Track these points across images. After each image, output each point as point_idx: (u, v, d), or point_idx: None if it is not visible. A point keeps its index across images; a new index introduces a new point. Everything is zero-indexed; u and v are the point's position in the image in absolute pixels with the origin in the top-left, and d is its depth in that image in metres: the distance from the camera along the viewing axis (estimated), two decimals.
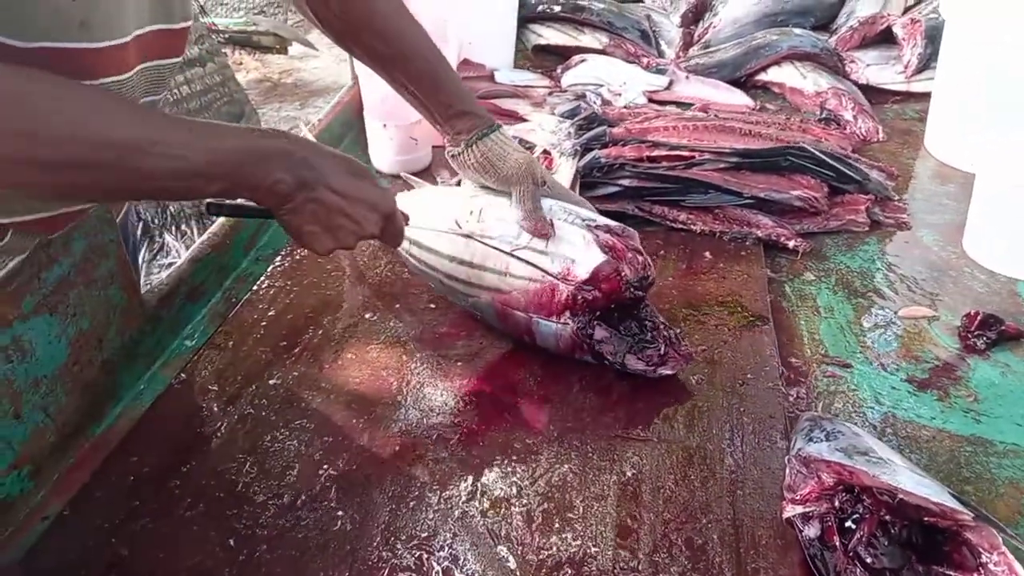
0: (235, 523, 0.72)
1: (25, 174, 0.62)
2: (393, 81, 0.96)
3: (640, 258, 0.89)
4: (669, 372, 0.87)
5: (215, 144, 0.69)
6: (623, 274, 0.86)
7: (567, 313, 0.86)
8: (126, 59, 0.74)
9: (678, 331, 0.90)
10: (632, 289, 0.87)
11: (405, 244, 1.01)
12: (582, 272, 0.86)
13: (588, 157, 1.23)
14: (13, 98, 0.59)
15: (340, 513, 0.73)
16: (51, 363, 0.79)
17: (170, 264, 2.40)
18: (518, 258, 0.90)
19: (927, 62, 1.62)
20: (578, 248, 0.88)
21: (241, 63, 4.48)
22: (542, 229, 0.90)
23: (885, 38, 1.74)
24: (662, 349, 0.88)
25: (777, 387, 0.88)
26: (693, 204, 1.21)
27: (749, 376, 0.90)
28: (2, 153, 0.59)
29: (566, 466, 0.78)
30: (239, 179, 0.71)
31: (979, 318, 0.97)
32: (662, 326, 0.90)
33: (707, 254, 1.13)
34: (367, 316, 1.00)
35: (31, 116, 0.60)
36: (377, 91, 1.42)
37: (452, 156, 0.98)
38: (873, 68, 1.69)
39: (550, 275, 0.87)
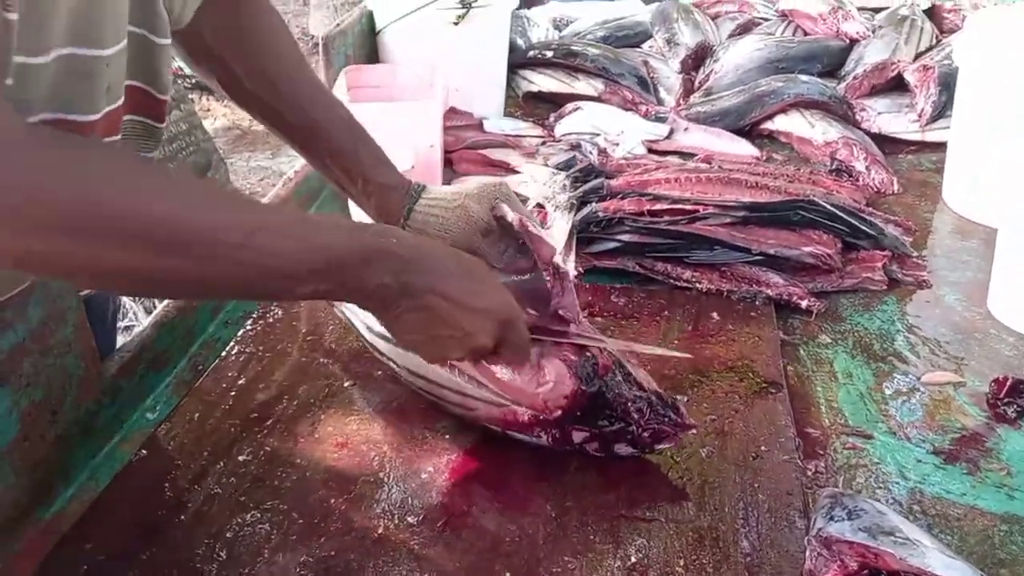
0: None
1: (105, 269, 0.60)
2: (312, 158, 0.97)
3: (581, 351, 0.86)
4: (667, 446, 0.88)
5: (314, 239, 0.68)
6: (575, 386, 0.84)
7: (537, 428, 0.87)
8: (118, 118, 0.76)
9: (673, 397, 0.90)
10: (585, 390, 0.85)
11: (365, 332, 1.01)
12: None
13: (585, 211, 1.26)
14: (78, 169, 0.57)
15: None
16: (0, 439, 0.79)
17: (127, 327, 2.39)
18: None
19: (942, 110, 1.67)
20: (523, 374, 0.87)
21: (209, 109, 4.55)
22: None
23: (897, 85, 1.80)
24: (651, 427, 0.86)
25: (794, 460, 0.89)
26: (698, 261, 1.23)
27: (763, 448, 0.91)
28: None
29: (565, 550, 0.78)
30: (339, 281, 0.69)
31: (1008, 384, 0.99)
32: (645, 398, 0.86)
33: (714, 315, 1.15)
34: (346, 385, 1.01)
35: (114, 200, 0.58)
36: None
37: None
38: (885, 116, 1.74)
39: (506, 399, 0.88)
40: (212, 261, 0.62)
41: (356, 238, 0.71)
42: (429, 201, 0.93)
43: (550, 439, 0.87)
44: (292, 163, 1.53)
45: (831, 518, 0.75)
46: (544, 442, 0.87)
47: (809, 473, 0.90)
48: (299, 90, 0.94)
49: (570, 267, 1.19)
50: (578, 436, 0.87)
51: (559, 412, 0.85)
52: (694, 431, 0.92)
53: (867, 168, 1.55)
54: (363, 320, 1.02)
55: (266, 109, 0.95)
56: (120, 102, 0.75)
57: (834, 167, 1.56)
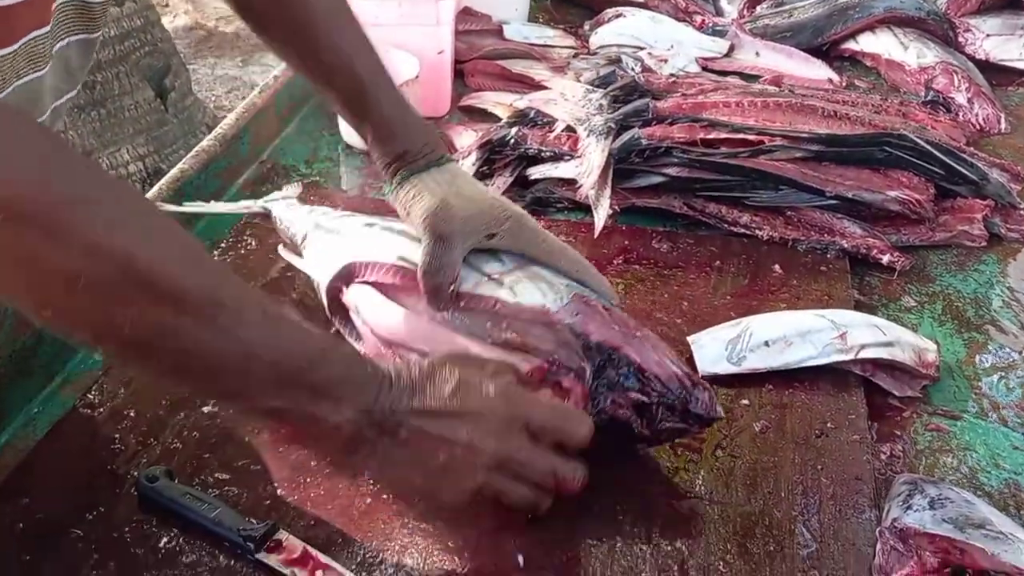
0: None
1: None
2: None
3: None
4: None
5: (280, 336, 0.68)
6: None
7: None
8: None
9: (693, 383, 0.83)
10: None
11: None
12: None
13: (625, 137, 1.25)
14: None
15: None
16: None
17: None
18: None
19: None
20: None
21: (168, 5, 4.52)
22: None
23: (1011, 1, 1.77)
24: (663, 427, 0.83)
25: (865, 440, 0.90)
26: (759, 203, 1.23)
27: (829, 425, 0.91)
28: None
29: (588, 531, 0.79)
30: (295, 396, 0.68)
31: None
32: (651, 402, 0.82)
33: (776, 268, 1.15)
34: (332, 332, 1.01)
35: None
36: None
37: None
38: (994, 40, 1.72)
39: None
40: (164, 329, 0.62)
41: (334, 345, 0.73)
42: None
43: None
44: (265, 73, 1.52)
45: (909, 507, 0.76)
46: None
47: (883, 457, 0.90)
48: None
49: (604, 205, 1.19)
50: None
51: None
52: (746, 401, 0.93)
53: (969, 101, 1.53)
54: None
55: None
56: None
57: (929, 98, 1.54)
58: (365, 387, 0.70)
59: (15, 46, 0.71)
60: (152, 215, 0.67)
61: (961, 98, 1.54)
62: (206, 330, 0.63)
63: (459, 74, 1.61)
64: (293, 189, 1.21)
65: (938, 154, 1.27)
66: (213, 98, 3.81)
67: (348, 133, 1.42)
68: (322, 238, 1.02)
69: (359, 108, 0.95)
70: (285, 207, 1.11)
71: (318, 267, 1.00)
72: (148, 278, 0.61)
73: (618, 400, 0.81)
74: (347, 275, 0.95)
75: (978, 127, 1.50)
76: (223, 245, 1.14)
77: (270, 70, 1.54)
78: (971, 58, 1.68)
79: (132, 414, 0.90)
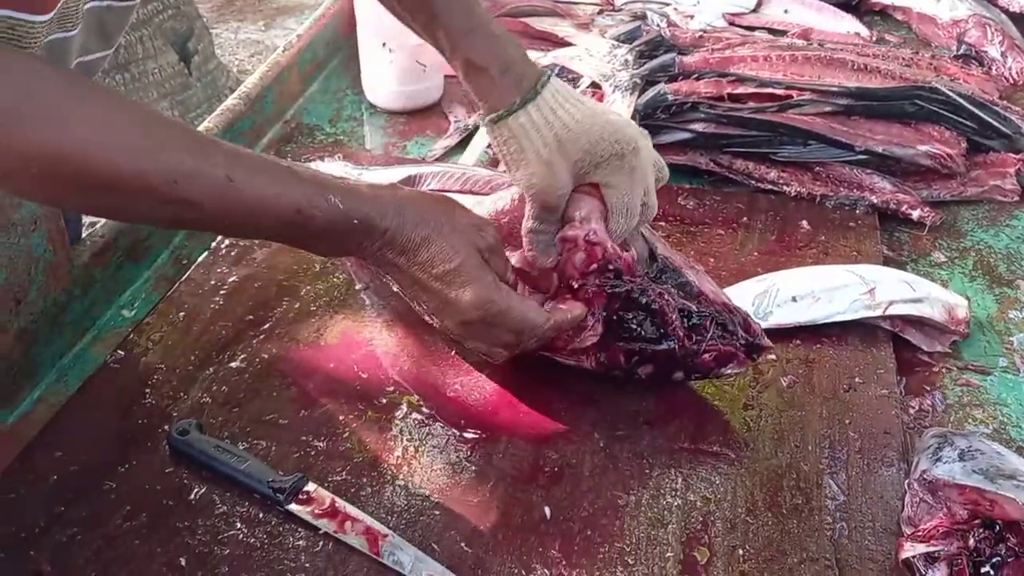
0: (188, 539, 0.74)
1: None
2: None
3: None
4: (737, 371, 0.87)
5: (249, 192, 0.72)
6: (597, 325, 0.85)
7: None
8: None
9: (745, 313, 0.87)
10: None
11: None
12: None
13: (651, 93, 1.24)
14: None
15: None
16: None
17: None
18: None
19: None
20: None
21: None
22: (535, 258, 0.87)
23: None
24: (714, 348, 0.85)
25: (894, 395, 0.89)
26: (787, 158, 1.22)
27: (857, 380, 0.91)
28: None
29: (615, 484, 0.80)
30: (283, 240, 0.80)
31: None
32: (708, 313, 0.86)
33: (804, 224, 1.14)
34: (358, 287, 1.02)
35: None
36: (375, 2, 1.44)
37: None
38: None
39: None
40: (136, 210, 0.73)
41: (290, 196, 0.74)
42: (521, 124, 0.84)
43: (593, 363, 0.87)
44: (287, 36, 1.52)
45: (938, 459, 0.76)
46: (588, 366, 0.88)
47: (912, 411, 0.90)
48: None
49: None
50: (627, 358, 0.87)
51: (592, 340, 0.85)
52: (773, 356, 0.93)
53: (1003, 54, 1.50)
54: None
55: None
56: None
57: (962, 52, 1.52)
58: (349, 238, 0.78)
59: (51, 13, 0.72)
60: (118, 112, 0.70)
61: (994, 51, 1.51)
62: (162, 208, 0.70)
63: None
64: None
65: (970, 107, 1.25)
66: (236, 62, 3.80)
67: (372, 92, 1.42)
68: (378, 171, 1.06)
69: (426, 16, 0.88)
70: (337, 165, 1.11)
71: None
72: (84, 172, 0.66)
73: (666, 297, 0.85)
74: (408, 182, 0.98)
75: (1011, 81, 1.48)
76: None
77: (292, 33, 1.54)
78: (1005, 10, 1.65)
79: (162, 369, 0.91)
